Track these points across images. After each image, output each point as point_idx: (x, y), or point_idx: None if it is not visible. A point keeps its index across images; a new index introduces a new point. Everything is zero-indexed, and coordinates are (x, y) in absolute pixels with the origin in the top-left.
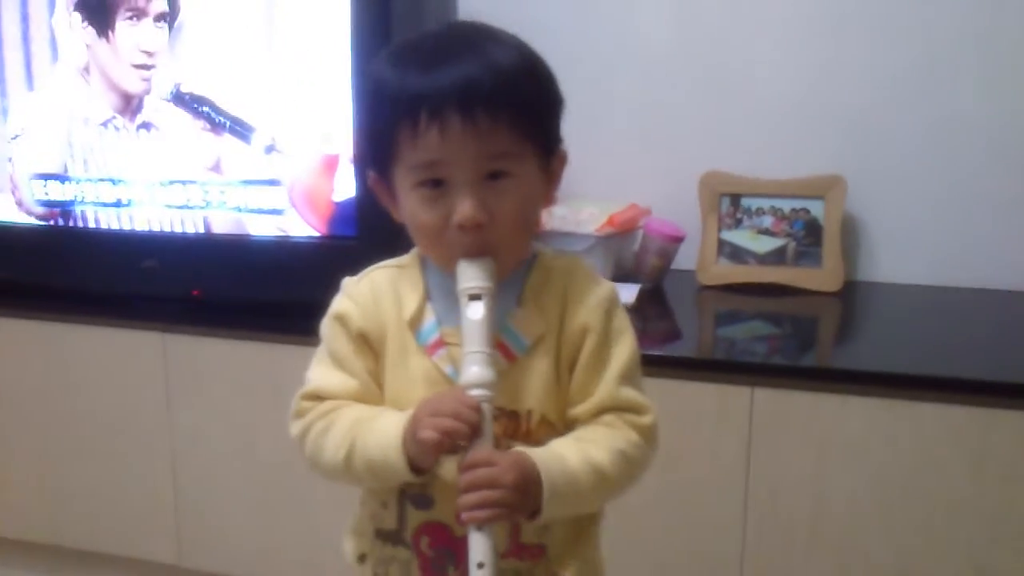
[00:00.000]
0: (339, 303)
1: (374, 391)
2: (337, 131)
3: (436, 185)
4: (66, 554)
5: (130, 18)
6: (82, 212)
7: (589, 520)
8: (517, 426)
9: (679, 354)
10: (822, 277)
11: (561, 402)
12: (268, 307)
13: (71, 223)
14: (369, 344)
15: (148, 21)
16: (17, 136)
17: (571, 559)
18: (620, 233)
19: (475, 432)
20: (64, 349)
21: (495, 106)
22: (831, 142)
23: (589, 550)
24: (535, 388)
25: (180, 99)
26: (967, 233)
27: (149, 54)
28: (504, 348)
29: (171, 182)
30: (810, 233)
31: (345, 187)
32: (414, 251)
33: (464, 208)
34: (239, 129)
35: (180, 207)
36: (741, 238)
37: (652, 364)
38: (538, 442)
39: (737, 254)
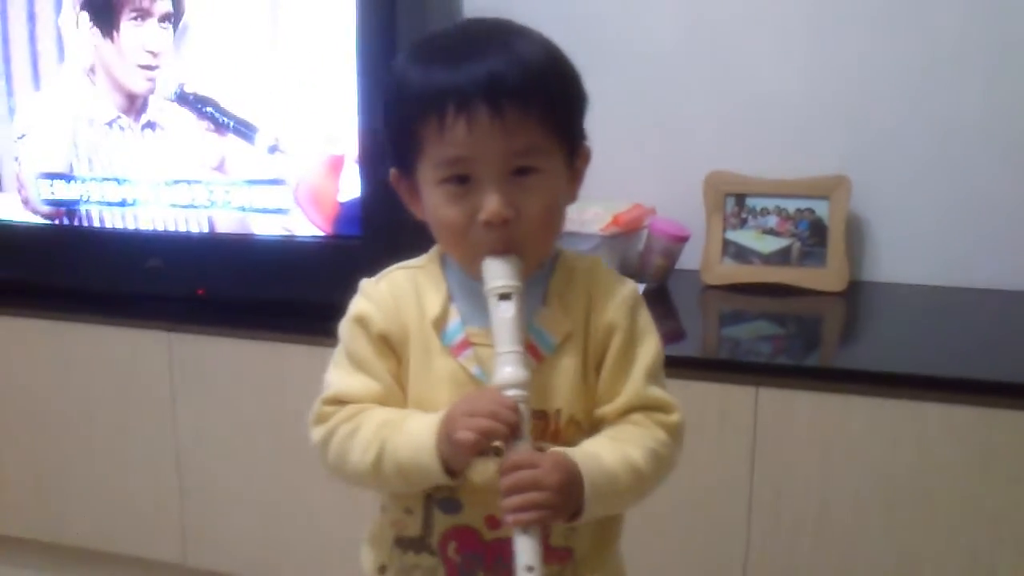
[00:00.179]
0: (358, 305)
1: (397, 394)
2: (342, 131)
3: (462, 181)
4: (71, 553)
5: (135, 18)
6: (87, 211)
7: (613, 522)
8: (545, 426)
9: (683, 354)
10: (827, 277)
11: (588, 401)
12: (272, 306)
13: (76, 222)
14: (391, 346)
15: (153, 21)
16: (23, 136)
17: (596, 562)
18: (625, 233)
19: (513, 433)
20: (69, 348)
21: (524, 100)
22: (836, 142)
23: (613, 553)
24: (563, 388)
25: (184, 99)
26: (972, 234)
27: (154, 54)
28: (532, 348)
29: (176, 182)
30: (815, 233)
31: (350, 187)
32: (432, 251)
33: (491, 204)
34: (243, 129)
35: (185, 206)
36: (746, 238)
37: None
38: (567, 442)
39: (742, 254)
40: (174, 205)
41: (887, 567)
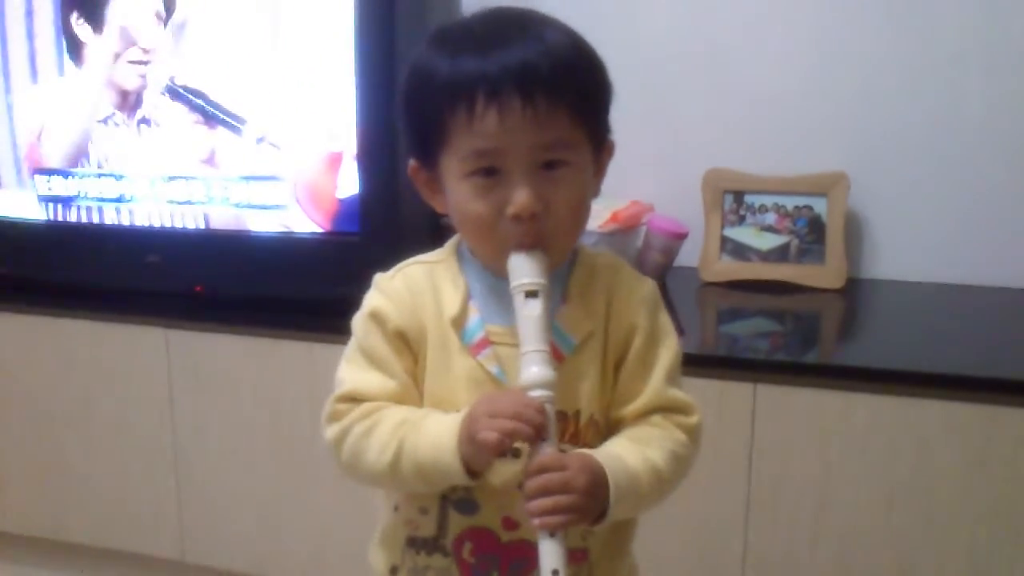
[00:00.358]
0: (373, 300)
1: (413, 392)
2: (341, 128)
3: (489, 174)
4: (69, 549)
5: (127, 15)
6: (85, 208)
7: (628, 523)
8: (565, 427)
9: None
10: (825, 274)
11: (606, 402)
12: (271, 303)
13: (74, 219)
14: (407, 343)
15: (145, 18)
16: (21, 132)
17: (610, 562)
18: (623, 230)
19: (539, 434)
20: (67, 344)
21: (556, 92)
22: (834, 139)
23: (627, 553)
24: (584, 388)
25: (175, 93)
26: (970, 230)
27: (146, 51)
28: (553, 348)
29: (174, 178)
30: (813, 230)
31: (349, 184)
32: (449, 245)
33: (520, 198)
34: (230, 122)
35: (183, 203)
36: (744, 235)
37: None
38: (586, 443)
39: (740, 251)
40: (172, 202)
41: (885, 564)
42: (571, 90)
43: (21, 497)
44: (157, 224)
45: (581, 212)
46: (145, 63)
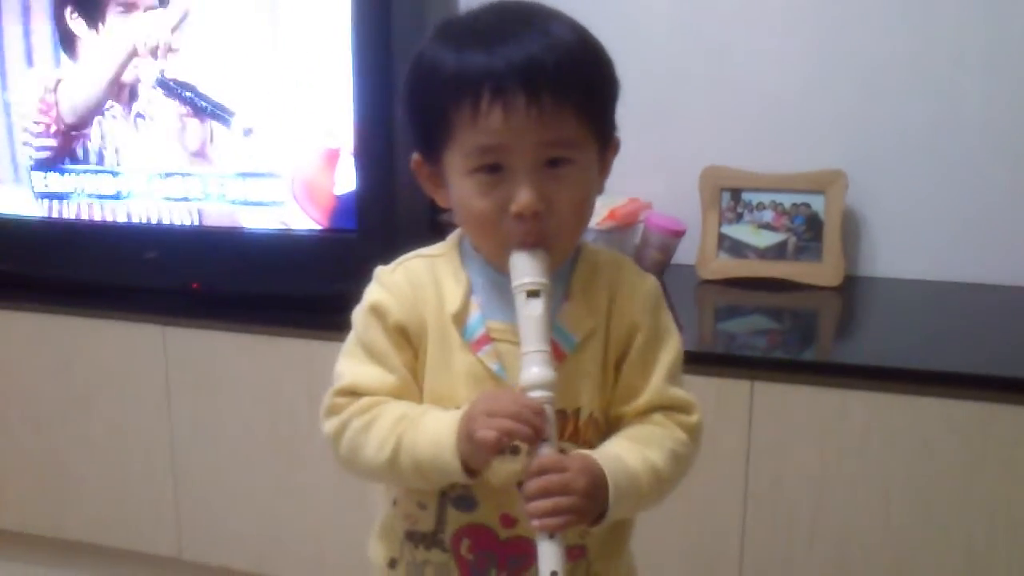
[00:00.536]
0: (374, 293)
1: (412, 387)
2: (338, 125)
3: (493, 171)
4: (67, 546)
5: (122, 11)
6: (82, 204)
7: (625, 521)
8: (565, 425)
9: None
10: (822, 272)
11: (607, 400)
12: (268, 300)
13: (71, 215)
14: (407, 338)
15: (139, 13)
16: (17, 127)
17: (608, 560)
18: (620, 227)
19: (538, 435)
20: (64, 341)
21: (562, 89)
22: (832, 137)
23: (624, 550)
24: (584, 386)
25: (166, 87)
26: (968, 228)
27: (142, 45)
28: (554, 346)
29: (171, 175)
30: (810, 228)
31: (346, 180)
32: (451, 239)
33: (523, 197)
34: (219, 113)
35: (180, 199)
36: (741, 232)
37: None
38: (587, 441)
39: (737, 248)
40: (170, 198)
41: (884, 561)
42: (577, 88)
43: (18, 494)
44: (154, 221)
45: (584, 211)
46: (142, 57)
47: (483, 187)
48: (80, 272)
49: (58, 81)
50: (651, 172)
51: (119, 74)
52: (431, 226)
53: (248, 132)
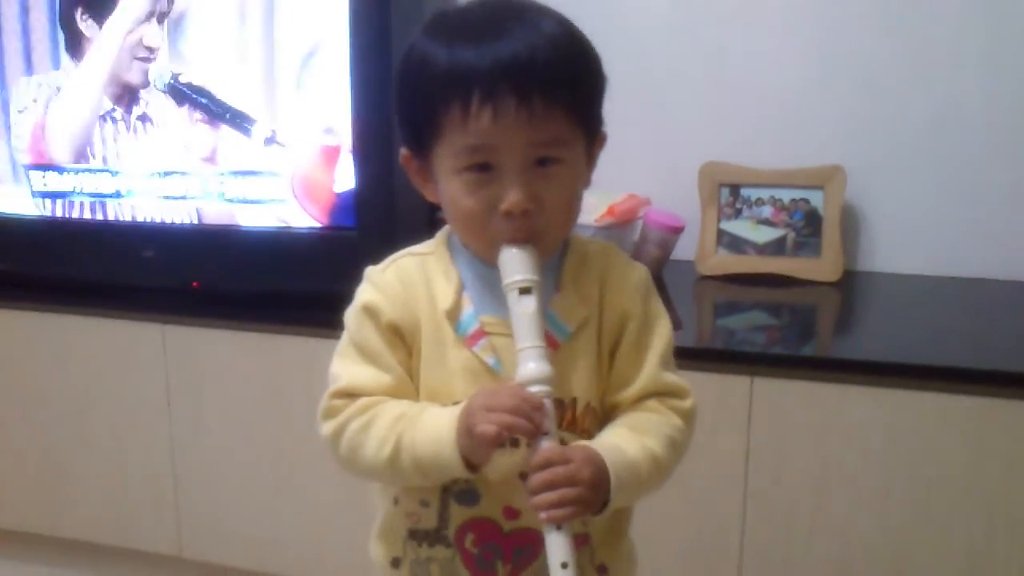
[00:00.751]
0: (366, 294)
1: (408, 386)
2: (337, 122)
3: (482, 170)
4: (66, 545)
5: (129, 11)
6: (82, 203)
7: (625, 507)
8: (562, 415)
9: (678, 344)
10: (821, 267)
11: (601, 387)
12: (267, 298)
13: (71, 214)
14: (401, 336)
15: (148, 13)
16: (17, 127)
17: (611, 546)
18: (619, 223)
19: (537, 429)
20: (64, 340)
21: (551, 90)
22: (831, 132)
23: (625, 536)
24: (579, 376)
25: (178, 91)
26: (967, 223)
27: (150, 48)
28: (548, 336)
29: (171, 173)
30: (809, 223)
31: (345, 178)
32: (439, 236)
33: (513, 196)
34: (239, 121)
35: (180, 198)
36: (740, 228)
37: None
38: (584, 430)
39: (736, 244)
40: (169, 197)
41: (882, 556)
42: (567, 88)
43: (17, 493)
44: (153, 219)
45: (573, 207)
46: (148, 60)
47: (472, 186)
48: (79, 271)
49: (57, 88)
50: (650, 168)
51: (121, 77)
52: (430, 223)
53: (270, 141)
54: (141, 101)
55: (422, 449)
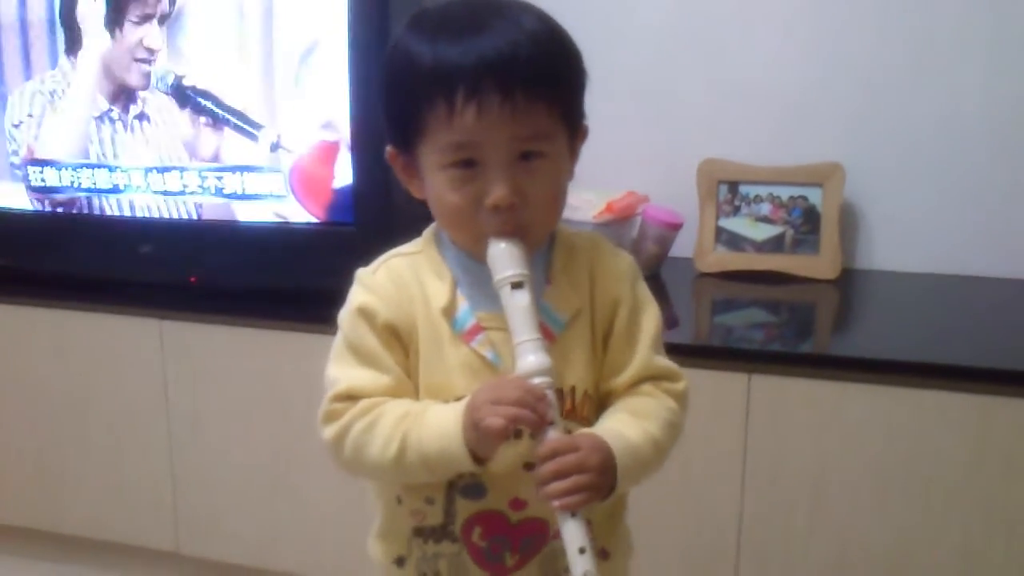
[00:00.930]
0: (359, 296)
1: (407, 385)
2: (336, 118)
3: (467, 166)
4: (64, 541)
5: (135, 14)
6: (79, 199)
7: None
8: (562, 404)
9: (676, 341)
10: (820, 265)
11: (597, 375)
12: (265, 293)
13: (69, 210)
14: (398, 337)
15: (149, 14)
16: (16, 124)
17: (610, 532)
18: (618, 220)
19: (542, 420)
20: (61, 335)
21: (534, 85)
22: (830, 130)
23: (622, 522)
24: (575, 364)
25: (182, 93)
26: (965, 221)
27: (150, 50)
28: (543, 327)
29: (168, 169)
30: (808, 221)
31: (343, 174)
32: (427, 234)
33: (498, 191)
34: (245, 126)
35: (177, 193)
36: (739, 225)
37: None
38: (584, 418)
39: (735, 241)
40: (167, 192)
41: (880, 554)
42: (549, 83)
43: (15, 489)
44: (151, 214)
45: (558, 201)
46: (147, 61)
47: (457, 182)
48: (77, 266)
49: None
50: (648, 165)
51: (120, 77)
52: (428, 220)
53: (276, 147)
54: (139, 100)
55: (429, 446)
